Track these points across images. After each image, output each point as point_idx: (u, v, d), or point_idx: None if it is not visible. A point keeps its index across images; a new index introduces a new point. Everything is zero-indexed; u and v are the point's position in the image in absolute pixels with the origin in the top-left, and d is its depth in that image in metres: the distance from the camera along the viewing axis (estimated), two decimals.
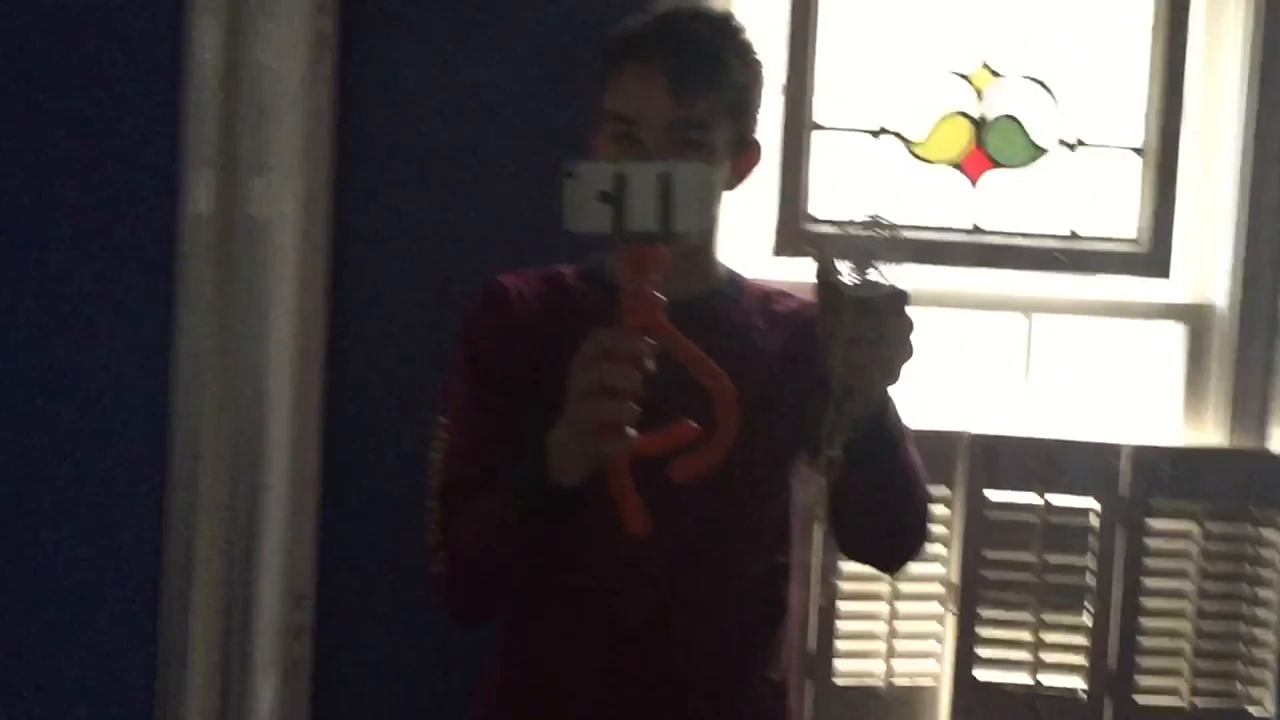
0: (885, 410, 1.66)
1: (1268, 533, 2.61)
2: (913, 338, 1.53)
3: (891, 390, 1.62)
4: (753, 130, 1.89)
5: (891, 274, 1.50)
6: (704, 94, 1.77)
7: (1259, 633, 2.62)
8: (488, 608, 1.85)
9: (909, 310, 1.52)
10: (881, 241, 1.50)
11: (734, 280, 1.95)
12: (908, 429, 1.74)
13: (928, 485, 1.83)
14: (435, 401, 1.88)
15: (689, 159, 1.72)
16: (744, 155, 1.87)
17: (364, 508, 2.47)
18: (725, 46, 1.83)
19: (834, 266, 1.51)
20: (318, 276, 2.38)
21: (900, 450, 1.72)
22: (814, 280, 1.53)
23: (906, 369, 1.55)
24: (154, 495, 1.56)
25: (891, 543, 1.87)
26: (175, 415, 1.54)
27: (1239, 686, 2.63)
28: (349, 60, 2.41)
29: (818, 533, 2.55)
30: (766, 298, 1.95)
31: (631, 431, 1.47)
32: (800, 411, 1.86)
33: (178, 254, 1.53)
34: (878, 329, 1.51)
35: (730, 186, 1.85)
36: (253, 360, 1.94)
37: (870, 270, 1.50)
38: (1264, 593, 2.62)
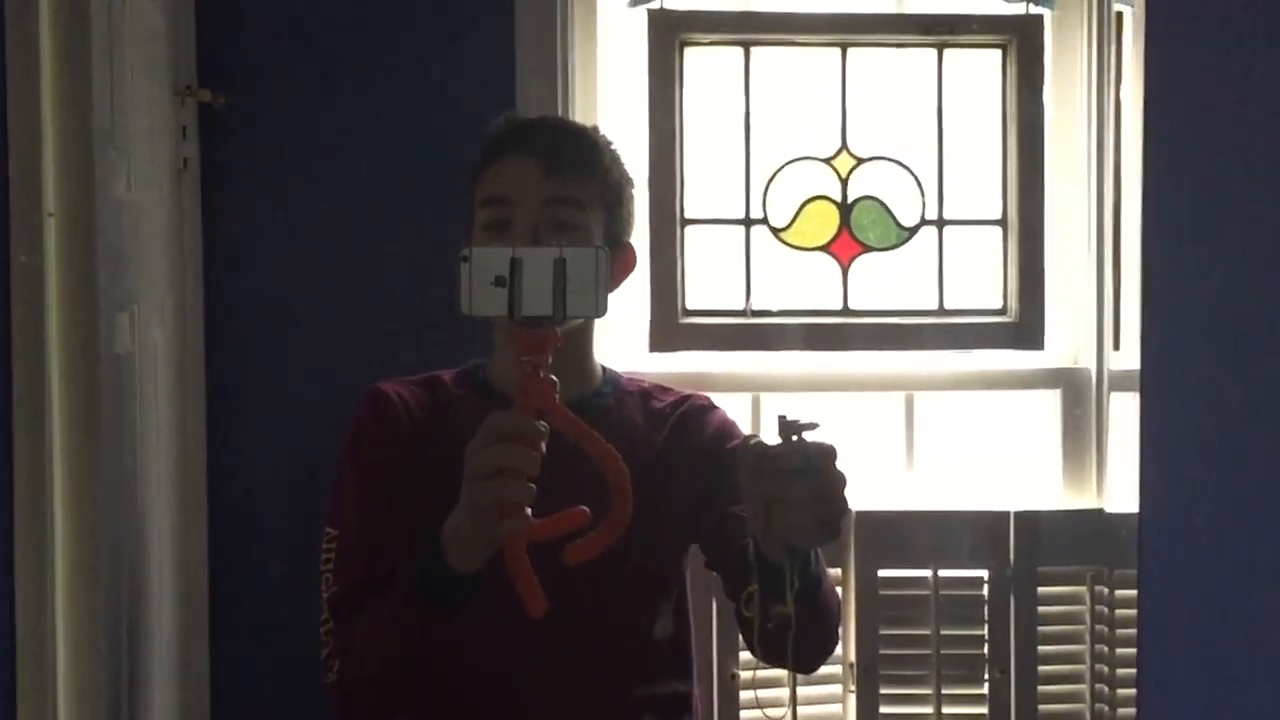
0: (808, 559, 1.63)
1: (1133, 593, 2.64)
2: (847, 493, 1.50)
3: None
4: (627, 233, 1.94)
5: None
6: (577, 175, 1.84)
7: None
8: (385, 711, 1.84)
9: (840, 465, 1.49)
10: (802, 424, 1.49)
11: (611, 379, 1.98)
12: (818, 557, 1.74)
13: (837, 596, 1.84)
14: (324, 515, 1.89)
15: (561, 241, 1.76)
16: (619, 255, 1.91)
17: (256, 631, 2.46)
18: (597, 141, 1.91)
19: (757, 439, 1.49)
20: (195, 404, 2.38)
21: (820, 583, 1.72)
22: (740, 454, 1.51)
23: (842, 523, 1.52)
24: (6, 651, 1.53)
25: (810, 656, 1.88)
26: (22, 568, 1.51)
27: None
28: (213, 185, 2.42)
29: (716, 621, 2.56)
30: (644, 394, 1.98)
31: (527, 512, 1.48)
32: (685, 505, 1.89)
33: (18, 400, 1.51)
34: (816, 487, 1.47)
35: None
36: (127, 494, 1.92)
37: (794, 438, 1.48)
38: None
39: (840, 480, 1.49)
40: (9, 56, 1.53)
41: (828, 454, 1.48)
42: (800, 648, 1.61)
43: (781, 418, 1.49)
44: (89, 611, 1.67)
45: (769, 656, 1.77)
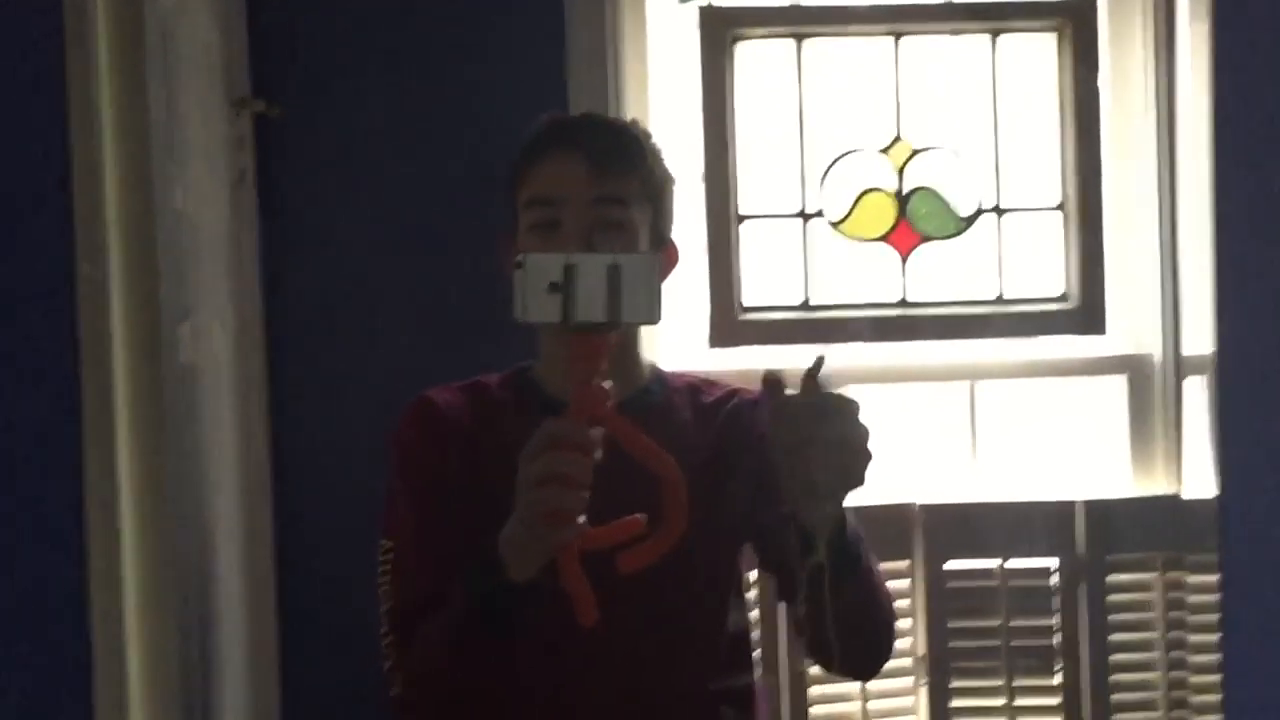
0: (844, 526, 1.63)
1: (1208, 578, 2.60)
2: (870, 444, 1.50)
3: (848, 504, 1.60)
4: (669, 229, 1.92)
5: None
6: (623, 172, 1.82)
7: (1212, 679, 2.61)
8: None
9: (862, 417, 1.50)
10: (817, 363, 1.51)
11: (659, 376, 1.96)
12: (866, 545, 1.74)
13: (889, 592, 1.84)
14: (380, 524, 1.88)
15: (610, 240, 1.75)
16: (663, 253, 1.89)
17: (324, 636, 2.46)
18: (639, 136, 1.89)
19: (784, 380, 1.51)
20: (258, 413, 2.39)
21: (864, 562, 1.71)
22: (767, 396, 1.52)
23: (867, 472, 1.52)
24: (81, 672, 1.54)
25: (863, 657, 1.87)
26: (95, 575, 1.52)
27: None
28: (269, 195, 2.43)
29: (783, 618, 2.55)
30: (693, 390, 1.96)
31: (581, 520, 1.47)
32: (739, 502, 1.87)
33: (86, 413, 1.52)
34: (835, 431, 1.48)
35: None
36: (195, 504, 1.93)
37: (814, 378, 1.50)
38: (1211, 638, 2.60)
39: (863, 430, 1.50)
40: (68, 72, 1.54)
41: (849, 403, 1.49)
42: (845, 633, 1.61)
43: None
44: (161, 623, 1.67)
45: (818, 651, 1.77)
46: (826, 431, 1.47)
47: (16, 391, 1.54)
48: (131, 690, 1.60)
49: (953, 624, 2.63)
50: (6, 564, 1.54)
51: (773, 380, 1.52)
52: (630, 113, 2.58)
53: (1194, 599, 2.62)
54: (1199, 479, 2.68)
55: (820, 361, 1.51)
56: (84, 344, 1.52)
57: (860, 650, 1.83)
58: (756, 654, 2.23)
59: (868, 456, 1.50)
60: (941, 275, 2.78)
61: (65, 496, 1.54)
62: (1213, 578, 2.58)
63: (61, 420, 1.53)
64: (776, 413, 1.50)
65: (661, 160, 1.92)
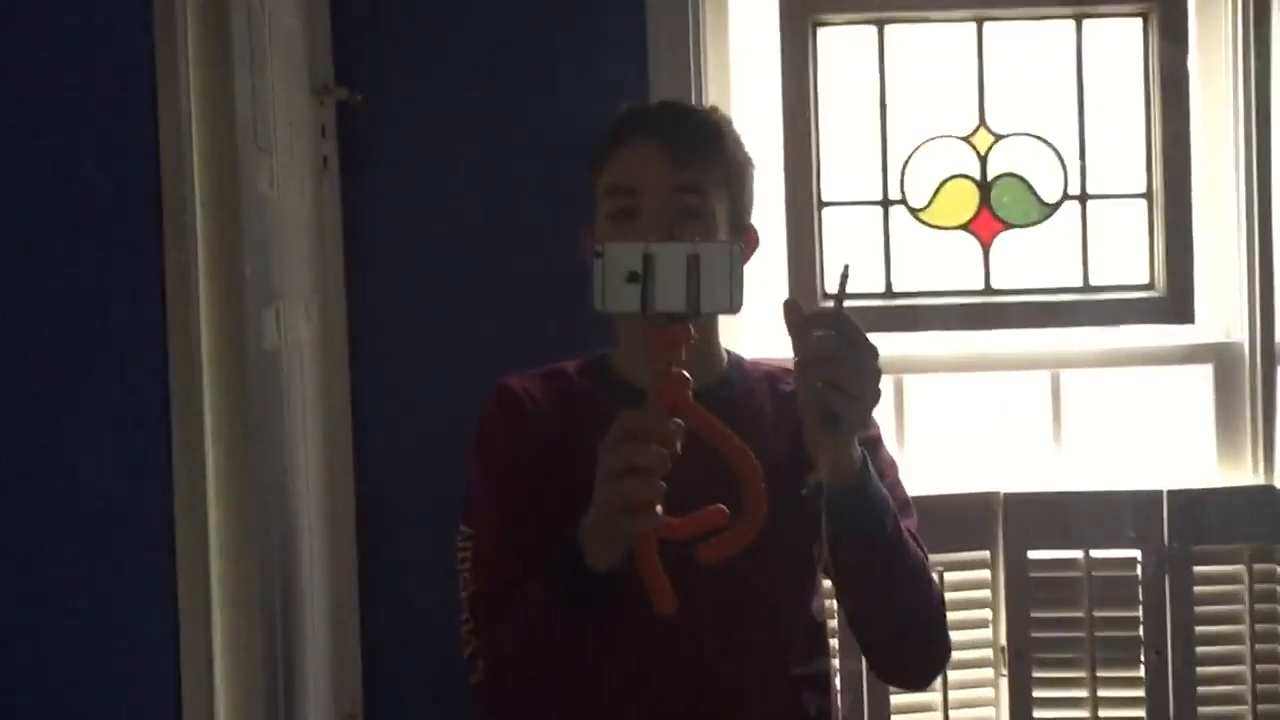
0: (865, 479, 1.69)
1: None
2: (880, 384, 1.60)
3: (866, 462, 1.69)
4: (749, 214, 1.92)
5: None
6: (702, 161, 1.82)
7: None
8: (530, 712, 1.84)
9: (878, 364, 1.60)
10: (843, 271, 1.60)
11: (737, 365, 1.96)
12: (901, 523, 1.75)
13: (936, 587, 1.84)
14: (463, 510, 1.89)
15: (689, 228, 1.75)
16: (743, 238, 1.89)
17: (405, 620, 2.48)
18: (720, 125, 1.89)
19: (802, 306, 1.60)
20: (340, 399, 2.40)
21: (886, 522, 1.73)
22: (788, 318, 1.58)
23: (875, 408, 1.63)
24: (169, 639, 1.56)
25: (896, 647, 1.86)
26: (182, 557, 1.54)
27: None
28: (352, 182, 2.44)
29: None
30: (771, 378, 1.96)
31: (659, 510, 1.47)
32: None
33: (173, 397, 1.53)
34: (851, 352, 1.56)
35: None
36: (278, 487, 1.94)
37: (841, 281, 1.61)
38: None
39: (877, 365, 1.59)
40: (156, 58, 1.55)
41: (867, 340, 1.58)
42: (873, 605, 1.74)
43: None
44: (244, 610, 1.68)
45: (854, 626, 1.86)
46: (843, 350, 1.55)
47: (104, 376, 1.55)
48: (217, 669, 1.62)
49: (1035, 614, 2.60)
50: (96, 548, 1.56)
51: (792, 304, 1.58)
52: (712, 98, 2.57)
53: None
54: None
55: (846, 270, 1.59)
56: (170, 328, 1.53)
57: (892, 635, 1.82)
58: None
59: (877, 392, 1.60)
60: (1025, 263, 2.75)
61: (152, 480, 1.55)
62: None
63: (148, 404, 1.55)
64: (799, 330, 1.56)
65: (742, 145, 1.92)
